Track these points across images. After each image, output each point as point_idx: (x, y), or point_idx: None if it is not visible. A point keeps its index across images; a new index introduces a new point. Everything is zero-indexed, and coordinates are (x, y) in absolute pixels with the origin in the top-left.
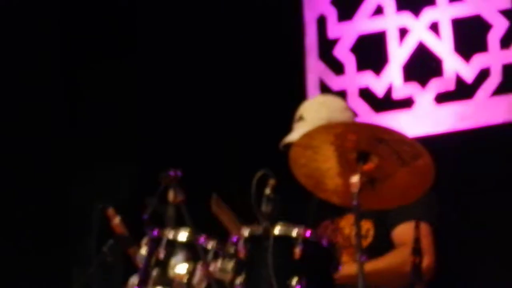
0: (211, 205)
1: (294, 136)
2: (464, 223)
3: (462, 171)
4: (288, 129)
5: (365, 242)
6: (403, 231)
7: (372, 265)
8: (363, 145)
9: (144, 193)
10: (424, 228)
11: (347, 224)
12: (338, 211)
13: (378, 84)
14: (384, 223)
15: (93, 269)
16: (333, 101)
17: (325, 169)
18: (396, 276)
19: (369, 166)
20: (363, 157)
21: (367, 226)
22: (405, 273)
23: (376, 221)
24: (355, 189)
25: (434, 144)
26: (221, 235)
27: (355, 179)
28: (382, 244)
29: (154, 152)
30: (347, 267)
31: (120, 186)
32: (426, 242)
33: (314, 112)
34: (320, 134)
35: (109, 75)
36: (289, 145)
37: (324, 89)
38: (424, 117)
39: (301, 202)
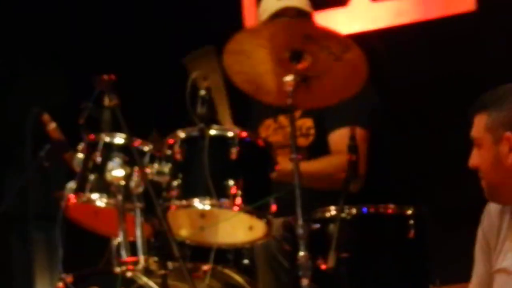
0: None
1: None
2: (400, 121)
3: (399, 67)
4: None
5: (307, 141)
6: (339, 138)
7: (306, 165)
8: (295, 44)
9: (79, 98)
10: (360, 133)
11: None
12: (281, 109)
13: None
14: (325, 122)
15: (29, 174)
16: None
17: (262, 72)
18: (327, 180)
19: (302, 64)
20: (296, 56)
21: (308, 124)
22: (337, 179)
23: (317, 119)
24: (289, 88)
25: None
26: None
27: (289, 78)
28: (324, 143)
29: (87, 57)
30: (284, 164)
31: (54, 92)
32: (360, 149)
33: None
34: (249, 37)
35: None
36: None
37: None
38: (360, 14)
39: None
